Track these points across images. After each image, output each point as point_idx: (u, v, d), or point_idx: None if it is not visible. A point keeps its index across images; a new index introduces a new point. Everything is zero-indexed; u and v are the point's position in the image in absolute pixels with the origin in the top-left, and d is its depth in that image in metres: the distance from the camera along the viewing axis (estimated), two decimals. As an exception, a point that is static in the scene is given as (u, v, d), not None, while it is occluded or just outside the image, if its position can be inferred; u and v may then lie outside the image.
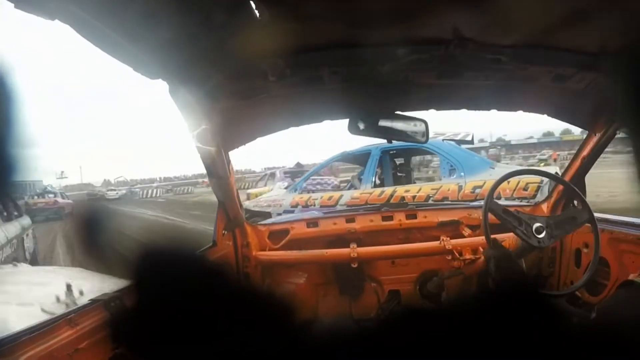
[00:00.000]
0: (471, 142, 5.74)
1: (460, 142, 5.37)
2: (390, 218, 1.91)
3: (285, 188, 6.35)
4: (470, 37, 0.90)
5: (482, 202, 1.90)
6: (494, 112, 1.42)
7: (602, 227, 1.37)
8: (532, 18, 0.81)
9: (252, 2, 0.70)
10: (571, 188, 1.52)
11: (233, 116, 1.23)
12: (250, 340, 0.33)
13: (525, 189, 4.08)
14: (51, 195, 15.93)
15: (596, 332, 0.34)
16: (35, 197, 15.93)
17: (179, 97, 0.98)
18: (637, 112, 0.56)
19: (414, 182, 5.23)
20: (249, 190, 10.32)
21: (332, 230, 1.89)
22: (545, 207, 1.77)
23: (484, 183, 4.20)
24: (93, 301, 0.96)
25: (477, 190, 4.24)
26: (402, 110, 1.34)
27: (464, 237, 1.77)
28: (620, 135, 1.28)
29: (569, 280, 1.66)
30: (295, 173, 9.97)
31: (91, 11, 0.64)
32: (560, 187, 1.69)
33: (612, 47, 0.86)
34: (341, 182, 7.76)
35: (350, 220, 1.90)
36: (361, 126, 1.30)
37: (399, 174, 5.29)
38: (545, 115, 1.42)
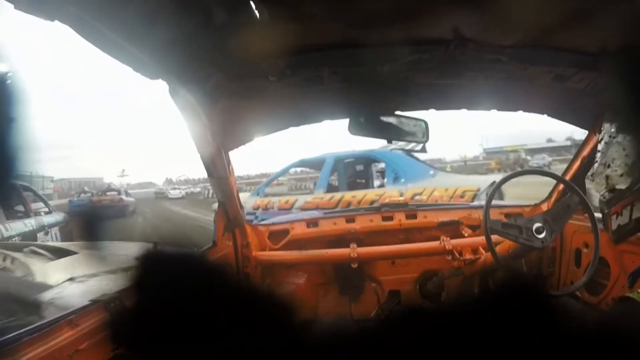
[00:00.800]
0: (423, 150, 5.69)
1: (411, 151, 5.36)
2: (390, 218, 1.91)
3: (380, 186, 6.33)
4: (470, 37, 0.90)
5: (482, 203, 1.90)
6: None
7: (602, 227, 1.37)
8: (532, 18, 0.81)
9: (252, 2, 0.70)
10: (571, 187, 1.52)
11: (233, 116, 1.24)
12: (250, 340, 0.33)
13: (462, 197, 4.28)
14: (115, 193, 15.83)
15: (596, 332, 0.34)
16: (100, 194, 16.03)
17: (179, 97, 0.98)
18: (637, 112, 0.56)
19: (373, 188, 5.33)
20: None
21: (332, 231, 1.89)
22: (545, 207, 1.77)
23: (423, 190, 4.38)
24: (93, 302, 0.96)
25: (417, 197, 4.35)
26: (402, 110, 1.34)
27: (464, 237, 1.77)
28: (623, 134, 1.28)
29: (569, 280, 1.66)
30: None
31: (91, 12, 0.64)
32: (561, 186, 1.69)
33: (612, 47, 0.86)
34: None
35: (350, 220, 1.90)
36: (361, 126, 1.30)
37: (358, 180, 5.46)
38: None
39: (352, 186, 5.28)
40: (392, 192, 4.59)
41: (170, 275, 0.37)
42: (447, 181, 4.54)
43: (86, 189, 20.92)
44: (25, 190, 6.10)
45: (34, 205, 6.11)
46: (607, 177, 0.77)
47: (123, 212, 14.63)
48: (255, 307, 0.37)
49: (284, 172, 6.23)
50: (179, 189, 31.47)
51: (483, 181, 4.46)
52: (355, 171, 5.58)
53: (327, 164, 5.13)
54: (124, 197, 15.57)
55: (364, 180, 5.47)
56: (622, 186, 0.74)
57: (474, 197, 4.15)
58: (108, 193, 15.93)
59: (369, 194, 4.75)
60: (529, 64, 1.02)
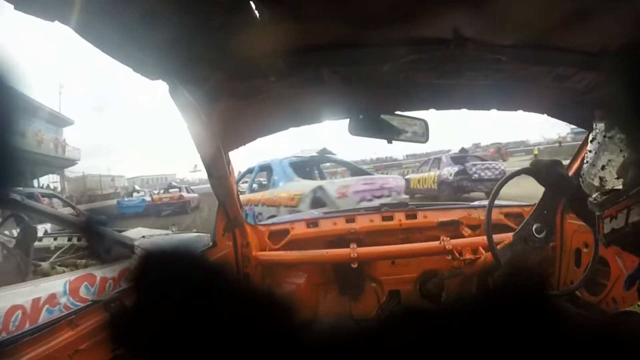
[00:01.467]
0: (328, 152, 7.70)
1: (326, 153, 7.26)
2: (390, 218, 1.91)
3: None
4: (470, 37, 0.89)
5: (482, 203, 1.89)
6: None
7: None
8: (532, 18, 0.81)
9: (252, 3, 0.70)
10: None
11: (233, 116, 1.23)
12: (250, 340, 0.33)
13: (292, 199, 5.01)
14: (176, 190, 15.60)
15: (596, 332, 0.34)
16: (161, 191, 15.94)
17: (179, 97, 0.98)
18: (637, 112, 0.56)
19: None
20: (409, 176, 11.57)
21: (332, 231, 1.89)
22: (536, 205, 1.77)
23: (276, 193, 5.42)
24: (93, 302, 0.96)
25: (272, 198, 5.46)
26: (402, 110, 1.34)
27: (464, 237, 1.77)
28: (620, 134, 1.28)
29: (569, 280, 1.66)
30: (460, 158, 10.30)
31: (91, 12, 0.64)
32: None
33: (612, 47, 0.86)
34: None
35: (350, 220, 1.90)
36: (361, 126, 1.30)
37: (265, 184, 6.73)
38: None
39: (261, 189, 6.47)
40: (264, 194, 5.69)
41: (170, 275, 0.37)
42: (291, 186, 5.37)
43: (137, 187, 19.98)
44: (50, 197, 6.46)
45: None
46: (601, 178, 0.76)
47: (184, 208, 14.39)
48: (255, 307, 0.37)
49: (240, 178, 7.14)
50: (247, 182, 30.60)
51: (307, 186, 5.20)
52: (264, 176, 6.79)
53: (254, 171, 6.35)
54: (184, 193, 15.30)
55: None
56: (618, 188, 0.73)
57: (299, 201, 4.90)
58: (171, 190, 15.66)
59: (257, 195, 5.95)
60: (529, 64, 1.02)
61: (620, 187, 0.72)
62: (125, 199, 16.52)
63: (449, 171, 9.67)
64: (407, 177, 12.54)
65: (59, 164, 25.37)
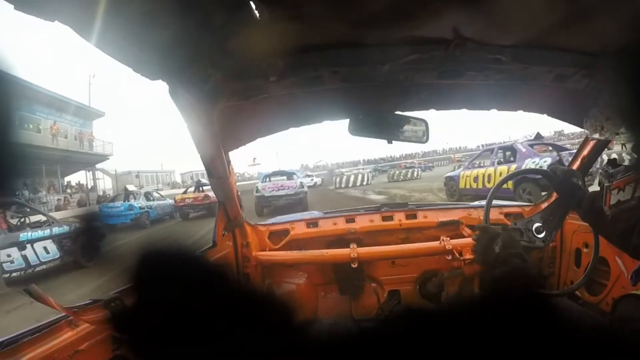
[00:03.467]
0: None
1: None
2: (390, 218, 1.91)
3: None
4: (470, 37, 0.89)
5: (482, 203, 1.88)
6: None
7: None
8: (532, 18, 0.80)
9: (252, 2, 0.70)
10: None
11: (233, 116, 1.23)
12: (250, 340, 0.33)
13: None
14: (207, 188, 13.08)
15: (596, 332, 0.34)
16: (189, 191, 14.34)
17: (179, 97, 0.98)
18: (637, 112, 0.56)
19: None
20: (454, 173, 10.28)
21: (332, 231, 1.89)
22: (544, 206, 1.77)
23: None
24: (93, 301, 0.96)
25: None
26: (402, 110, 1.34)
27: (464, 237, 1.77)
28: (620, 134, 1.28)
29: (569, 280, 1.66)
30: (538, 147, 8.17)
31: (91, 12, 0.64)
32: None
33: (612, 47, 0.86)
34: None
35: (350, 220, 1.91)
36: (361, 127, 1.30)
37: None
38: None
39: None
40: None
41: (170, 275, 0.37)
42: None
43: (131, 188, 15.53)
44: (16, 205, 6.53)
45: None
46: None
47: (211, 210, 12.20)
48: (255, 307, 0.37)
49: (263, 179, 12.63)
50: (311, 175, 26.17)
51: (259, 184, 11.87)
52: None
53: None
54: (211, 193, 12.51)
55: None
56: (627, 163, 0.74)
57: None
58: (204, 188, 13.62)
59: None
60: (529, 64, 1.01)
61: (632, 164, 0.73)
62: (110, 205, 12.83)
63: (536, 163, 7.14)
64: (449, 174, 10.29)
65: (86, 159, 23.00)
